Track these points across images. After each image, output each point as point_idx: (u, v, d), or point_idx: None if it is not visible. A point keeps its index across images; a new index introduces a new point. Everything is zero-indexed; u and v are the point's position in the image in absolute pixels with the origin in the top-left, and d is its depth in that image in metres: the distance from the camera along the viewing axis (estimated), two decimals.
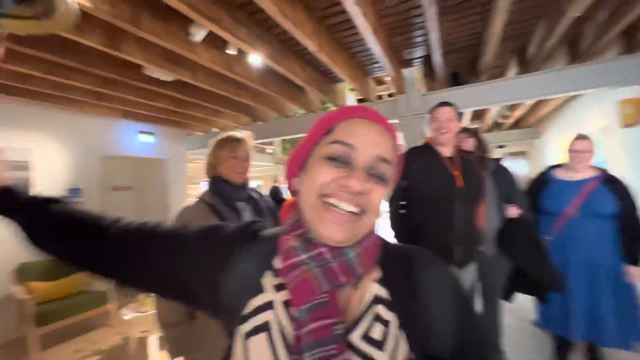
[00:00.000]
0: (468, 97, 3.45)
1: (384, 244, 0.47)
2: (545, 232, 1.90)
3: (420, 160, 1.68)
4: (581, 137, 1.85)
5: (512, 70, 3.71)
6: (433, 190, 1.61)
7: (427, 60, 3.49)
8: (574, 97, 4.55)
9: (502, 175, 1.97)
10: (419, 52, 3.31)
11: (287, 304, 0.41)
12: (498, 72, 4.16)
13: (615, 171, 1.97)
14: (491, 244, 1.89)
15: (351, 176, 0.39)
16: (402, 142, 3.83)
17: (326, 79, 3.93)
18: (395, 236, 1.84)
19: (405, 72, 3.57)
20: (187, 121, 4.81)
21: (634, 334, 1.69)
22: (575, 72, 3.09)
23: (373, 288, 0.42)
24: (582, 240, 1.77)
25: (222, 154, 1.19)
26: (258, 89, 3.52)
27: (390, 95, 4.11)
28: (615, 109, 3.48)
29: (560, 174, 1.92)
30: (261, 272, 0.45)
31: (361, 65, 3.64)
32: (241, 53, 2.79)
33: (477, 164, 1.74)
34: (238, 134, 1.24)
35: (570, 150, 1.86)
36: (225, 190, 1.17)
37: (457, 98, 3.01)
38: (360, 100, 4.60)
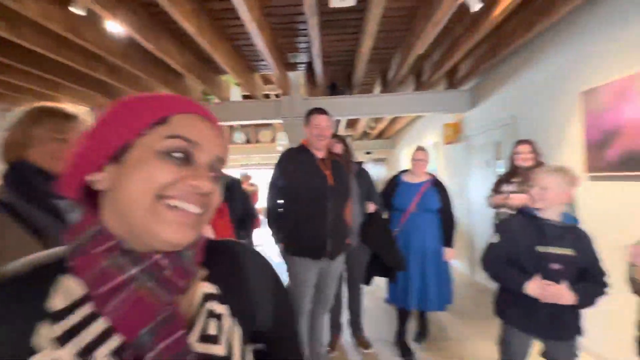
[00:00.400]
0: (343, 107, 3.88)
1: (207, 241, 0.45)
2: (395, 224, 2.33)
3: (296, 161, 1.80)
4: (420, 149, 2.35)
5: (377, 89, 4.38)
6: (308, 189, 1.74)
7: (309, 67, 3.72)
8: (418, 117, 5.76)
9: (363, 176, 2.31)
10: (302, 57, 3.49)
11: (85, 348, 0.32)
12: (367, 88, 4.84)
13: (441, 176, 2.60)
14: (356, 236, 2.18)
15: (199, 176, 0.36)
16: (287, 142, 3.94)
17: (208, 68, 3.65)
18: (274, 233, 1.89)
19: (291, 75, 3.70)
20: (10, 92, 3.57)
21: (447, 299, 2.28)
22: (418, 97, 3.92)
23: (203, 287, 0.41)
24: (418, 230, 2.26)
25: (39, 133, 0.82)
26: (120, 65, 2.94)
27: (277, 96, 4.18)
28: (441, 130, 4.60)
29: (406, 178, 2.38)
30: (26, 330, 0.32)
31: (247, 59, 3.55)
32: (95, 16, 2.26)
33: (344, 166, 1.96)
34: (69, 107, 0.90)
35: (412, 159, 2.34)
36: (36, 182, 0.79)
37: (334, 106, 3.36)
38: (246, 97, 4.48)
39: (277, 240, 1.89)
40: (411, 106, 3.95)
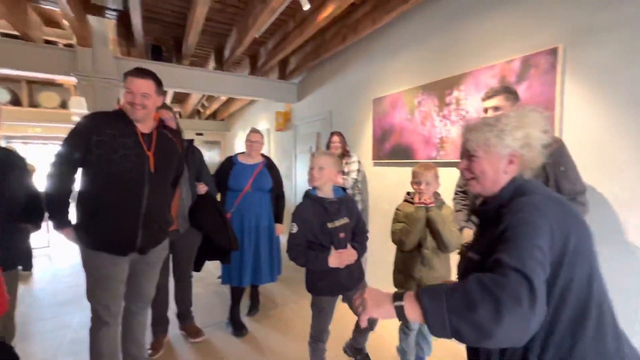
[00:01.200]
0: (170, 77, 3.39)
1: None
2: (230, 205, 2.31)
3: (107, 131, 1.40)
4: (254, 131, 2.42)
5: (212, 65, 4.11)
6: (119, 172, 1.39)
7: (124, 17, 3.00)
8: (254, 101, 5.87)
9: (194, 155, 2.14)
10: (114, 3, 2.76)
11: None
12: (200, 62, 4.45)
13: (272, 159, 2.78)
14: (185, 220, 2.00)
15: None
16: (84, 107, 3.04)
17: None
18: (57, 220, 1.43)
19: (93, 20, 2.85)
20: None
21: (278, 270, 2.52)
22: (253, 82, 3.99)
23: None
24: (252, 209, 2.34)
25: None
26: None
27: (70, 46, 3.10)
28: (274, 117, 4.90)
29: (241, 159, 2.40)
30: None
31: None
32: None
33: (175, 144, 1.70)
34: None
35: (247, 140, 2.38)
36: None
37: (158, 74, 2.82)
38: (11, 36, 3.09)
39: (60, 226, 1.43)
40: (246, 89, 3.97)
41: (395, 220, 1.76)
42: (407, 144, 2.54)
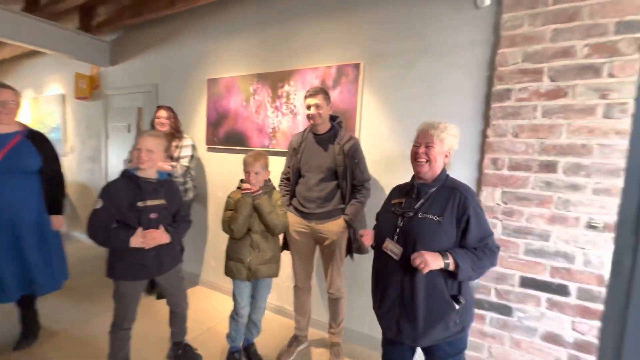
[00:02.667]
0: None
1: None
2: None
3: None
4: (4, 86, 1.69)
5: None
6: None
7: None
8: (36, 53, 4.22)
9: None
10: None
11: None
12: None
13: (70, 135, 2.08)
14: None
15: None
16: None
17: None
18: None
19: None
20: None
21: (62, 275, 1.93)
22: (35, 24, 2.85)
23: None
24: (4, 198, 1.67)
25: None
26: None
27: None
28: (72, 80, 3.72)
29: None
30: None
31: None
32: None
33: None
34: None
35: None
36: None
37: None
38: None
39: None
40: (20, 32, 2.79)
41: (227, 208, 1.72)
42: (241, 131, 2.52)
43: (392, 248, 1.15)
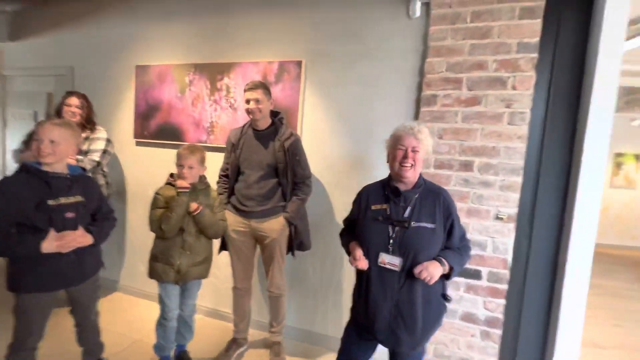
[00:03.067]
0: None
1: None
2: None
3: None
4: None
5: None
6: None
7: None
8: None
9: None
10: None
11: None
12: None
13: None
14: None
15: None
16: None
17: None
18: None
19: None
20: None
21: None
22: None
23: None
24: None
25: None
26: None
27: None
28: None
29: None
30: None
31: None
32: None
33: None
34: None
35: None
36: None
37: None
38: None
39: None
40: None
41: (155, 205, 1.57)
42: (176, 124, 2.34)
43: (391, 260, 1.11)
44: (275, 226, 1.77)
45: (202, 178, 1.65)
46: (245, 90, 1.70)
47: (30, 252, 1.21)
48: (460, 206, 1.72)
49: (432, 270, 1.05)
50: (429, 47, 1.74)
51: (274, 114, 1.82)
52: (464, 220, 1.72)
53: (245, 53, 2.15)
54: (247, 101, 1.70)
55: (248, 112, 1.72)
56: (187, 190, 1.53)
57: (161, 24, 2.38)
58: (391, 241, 1.11)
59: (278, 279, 1.84)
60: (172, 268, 1.56)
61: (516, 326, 1.73)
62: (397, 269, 1.10)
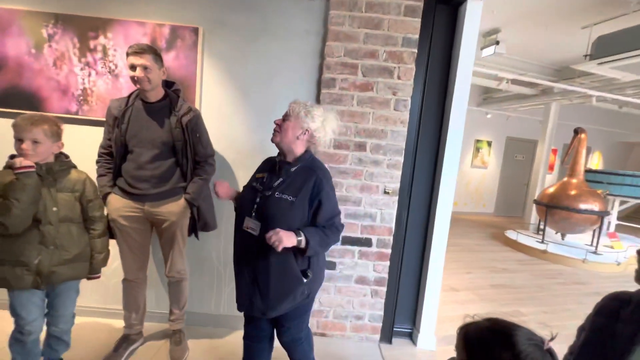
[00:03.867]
0: None
1: None
2: None
3: None
4: None
5: None
6: None
7: None
8: None
9: None
10: None
11: None
12: None
13: None
14: None
15: None
16: None
17: None
18: None
19: None
20: None
21: None
22: None
23: None
24: None
25: None
26: None
27: None
28: None
29: None
30: None
31: None
32: None
33: None
34: None
35: None
36: None
37: None
38: None
39: None
40: None
41: None
42: (31, 90, 1.85)
43: (252, 225, 1.15)
44: (174, 208, 1.63)
45: (61, 156, 1.35)
46: (128, 54, 1.46)
47: None
48: (354, 183, 1.91)
49: (282, 236, 1.04)
50: (329, 30, 1.80)
51: (168, 84, 1.63)
52: (357, 194, 1.92)
53: (126, 9, 1.83)
54: (132, 67, 1.46)
55: (134, 80, 1.49)
56: (33, 170, 1.22)
57: None
58: (255, 206, 1.17)
59: (179, 263, 1.73)
60: (27, 270, 1.25)
61: (397, 282, 2.06)
62: (255, 233, 1.15)
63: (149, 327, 1.94)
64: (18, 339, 1.33)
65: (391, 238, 1.96)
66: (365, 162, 1.90)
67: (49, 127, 1.25)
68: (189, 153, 1.62)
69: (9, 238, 1.23)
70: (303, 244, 1.11)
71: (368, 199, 1.93)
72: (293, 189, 1.16)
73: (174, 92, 1.62)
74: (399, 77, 1.83)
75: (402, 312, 2.13)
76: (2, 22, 1.81)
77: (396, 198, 1.93)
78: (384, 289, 2.01)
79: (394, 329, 2.11)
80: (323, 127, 1.22)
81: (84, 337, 1.80)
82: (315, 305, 2.01)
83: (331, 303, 2.02)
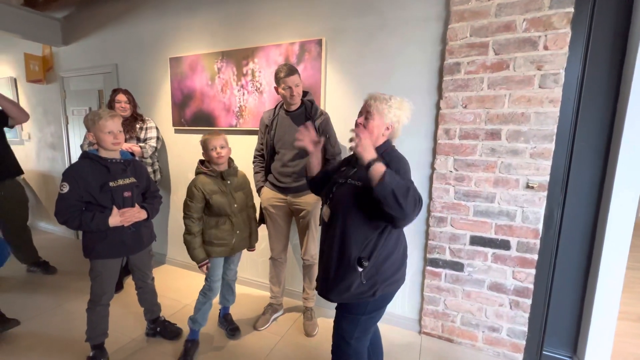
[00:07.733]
0: None
1: None
2: None
3: None
4: None
5: None
6: None
7: None
8: None
9: None
10: None
11: None
12: None
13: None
14: None
15: None
16: None
17: None
18: None
19: None
20: None
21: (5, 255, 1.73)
22: None
23: None
24: None
25: None
26: None
27: None
28: (22, 62, 3.47)
29: None
30: None
31: None
32: None
33: None
34: None
35: None
36: None
37: None
38: None
39: None
40: None
41: (193, 198, 1.61)
42: (209, 111, 2.50)
43: (325, 211, 1.20)
44: (310, 199, 1.89)
45: (231, 162, 1.74)
46: (281, 77, 1.73)
47: (100, 227, 1.45)
48: (486, 176, 1.69)
49: (365, 143, 0.99)
50: (451, 12, 1.66)
51: (303, 94, 1.88)
52: (490, 189, 1.69)
53: (267, 36, 2.21)
54: (288, 87, 1.73)
55: (287, 97, 1.76)
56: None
57: (188, 16, 2.51)
58: (331, 195, 1.18)
59: (312, 248, 1.97)
60: (227, 245, 1.69)
61: (547, 296, 1.70)
62: (326, 219, 1.17)
63: (287, 301, 2.30)
64: (206, 294, 1.74)
65: (537, 242, 1.64)
66: (499, 152, 1.66)
67: (224, 137, 1.65)
68: (321, 152, 1.82)
69: (215, 229, 1.68)
70: (380, 168, 0.96)
71: (504, 194, 1.67)
72: (364, 175, 1.05)
73: (308, 100, 1.86)
74: (545, 47, 1.51)
75: (554, 334, 1.75)
76: (193, 65, 2.51)
77: (544, 194, 1.59)
78: (528, 301, 1.70)
79: (543, 352, 1.75)
80: (401, 119, 1.15)
81: (242, 300, 2.29)
82: (440, 308, 1.90)
83: (459, 307, 1.85)
